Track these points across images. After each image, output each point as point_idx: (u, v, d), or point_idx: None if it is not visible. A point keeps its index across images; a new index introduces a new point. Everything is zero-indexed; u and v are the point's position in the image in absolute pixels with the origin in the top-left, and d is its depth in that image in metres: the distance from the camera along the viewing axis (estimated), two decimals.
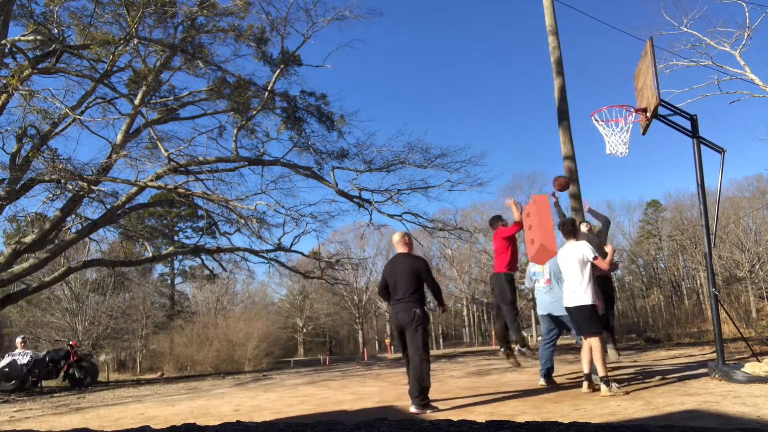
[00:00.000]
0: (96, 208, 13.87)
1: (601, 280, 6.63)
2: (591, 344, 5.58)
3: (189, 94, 14.95)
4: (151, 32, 12.81)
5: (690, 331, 23.70)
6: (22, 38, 11.43)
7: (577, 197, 10.04)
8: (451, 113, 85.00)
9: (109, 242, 18.81)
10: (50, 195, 13.03)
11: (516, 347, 7.17)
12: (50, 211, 13.47)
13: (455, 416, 4.43)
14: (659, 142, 78.88)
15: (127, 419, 5.99)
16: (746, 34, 15.78)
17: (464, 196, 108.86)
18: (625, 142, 6.81)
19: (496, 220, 7.18)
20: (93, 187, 11.89)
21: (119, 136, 13.44)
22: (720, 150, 6.34)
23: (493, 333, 44.11)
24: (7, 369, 11.41)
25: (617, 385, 5.54)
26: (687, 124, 6.41)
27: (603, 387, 5.40)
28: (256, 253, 16.73)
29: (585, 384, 5.65)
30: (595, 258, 5.66)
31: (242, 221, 15.11)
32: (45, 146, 12.45)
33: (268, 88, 14.82)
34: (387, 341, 42.59)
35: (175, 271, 45.77)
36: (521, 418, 4.13)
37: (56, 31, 11.33)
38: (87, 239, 14.95)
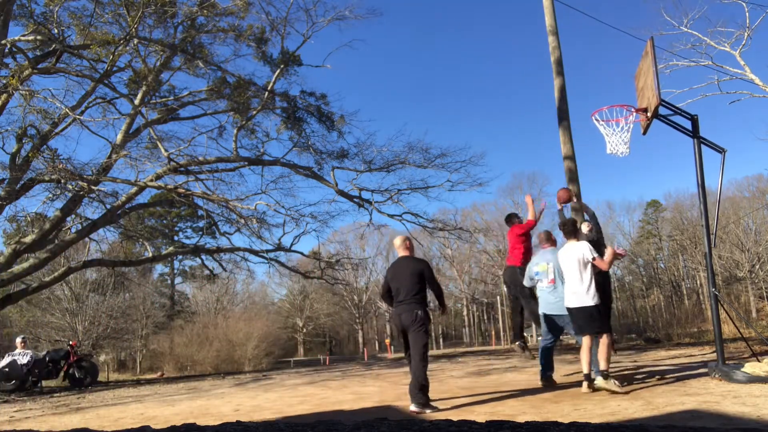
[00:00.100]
0: (96, 208, 13.90)
1: (602, 278, 6.62)
2: (601, 341, 5.63)
3: (189, 94, 14.95)
4: (151, 32, 12.82)
5: (690, 331, 23.72)
6: (22, 38, 11.43)
7: (577, 197, 10.02)
8: (451, 113, 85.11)
9: (109, 242, 18.83)
10: (50, 195, 13.04)
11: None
12: (50, 211, 13.49)
13: (455, 416, 4.43)
14: (659, 142, 78.99)
15: (127, 419, 5.99)
16: (746, 34, 15.79)
17: (464, 196, 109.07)
18: (625, 141, 6.82)
19: (511, 218, 7.66)
20: (93, 187, 11.88)
21: (119, 136, 13.44)
22: (721, 150, 6.35)
23: (492, 333, 44.15)
24: (7, 369, 11.41)
25: (616, 381, 5.54)
26: (687, 124, 6.41)
27: (599, 378, 5.42)
28: (256, 253, 16.72)
29: (585, 384, 5.65)
30: (594, 258, 5.68)
31: (242, 221, 15.10)
32: (45, 146, 12.45)
33: (268, 88, 14.81)
34: (387, 341, 42.58)
35: (175, 271, 45.81)
36: (521, 418, 4.13)
37: (56, 31, 11.32)
38: (87, 239, 14.95)
